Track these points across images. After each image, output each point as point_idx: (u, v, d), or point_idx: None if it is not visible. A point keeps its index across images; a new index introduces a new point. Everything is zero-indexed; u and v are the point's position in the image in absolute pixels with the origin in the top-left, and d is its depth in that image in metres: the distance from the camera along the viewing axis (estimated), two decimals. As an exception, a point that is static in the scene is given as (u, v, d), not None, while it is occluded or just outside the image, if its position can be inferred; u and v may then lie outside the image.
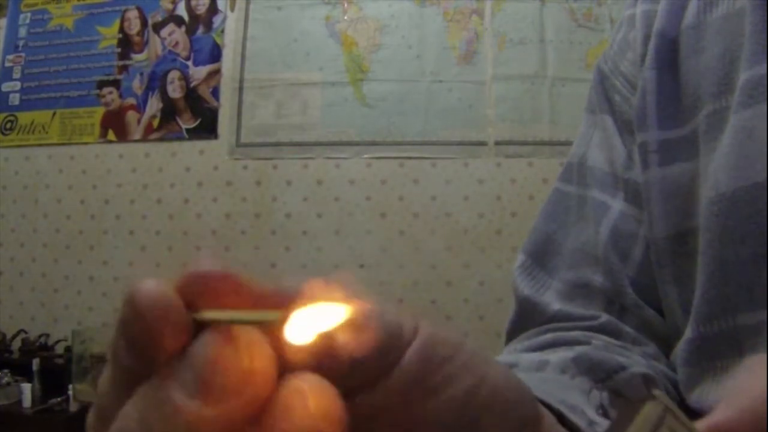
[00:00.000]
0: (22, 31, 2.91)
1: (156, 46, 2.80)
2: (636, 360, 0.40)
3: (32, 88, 2.86)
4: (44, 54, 2.86)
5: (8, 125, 2.86)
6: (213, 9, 2.77)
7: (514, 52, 2.62)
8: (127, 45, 2.82)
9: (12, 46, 2.91)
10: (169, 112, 2.75)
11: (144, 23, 2.82)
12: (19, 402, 2.33)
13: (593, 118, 0.51)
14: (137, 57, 2.81)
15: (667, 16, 0.44)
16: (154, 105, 2.77)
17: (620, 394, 0.36)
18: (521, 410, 0.22)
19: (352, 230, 2.62)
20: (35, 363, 2.41)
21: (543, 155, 2.56)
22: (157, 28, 2.80)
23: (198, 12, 2.78)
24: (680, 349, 0.39)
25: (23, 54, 2.89)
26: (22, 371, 2.40)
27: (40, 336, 2.65)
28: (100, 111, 2.80)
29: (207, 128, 2.72)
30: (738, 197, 0.36)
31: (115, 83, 2.80)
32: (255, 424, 0.17)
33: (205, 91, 2.73)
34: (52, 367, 2.44)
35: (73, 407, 2.29)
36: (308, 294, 0.18)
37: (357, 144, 2.64)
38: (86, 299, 2.72)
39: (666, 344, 0.43)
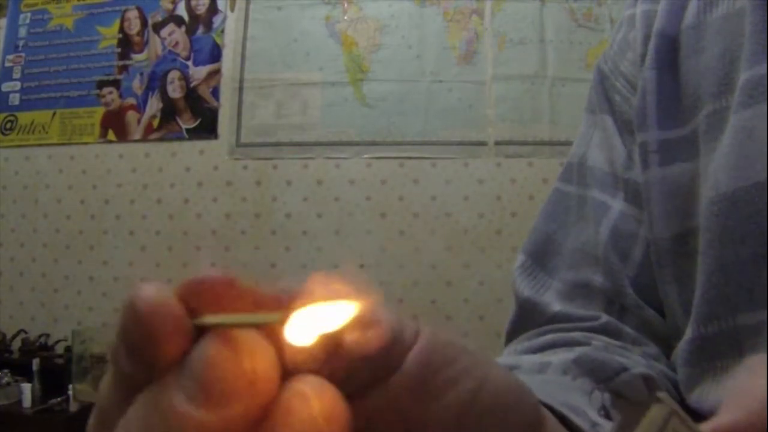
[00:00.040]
0: (22, 31, 2.91)
1: (156, 46, 2.80)
2: (636, 360, 0.40)
3: (32, 88, 2.86)
4: (44, 54, 2.86)
5: (8, 125, 2.86)
6: (213, 9, 2.77)
7: (514, 52, 2.62)
8: (127, 45, 2.82)
9: (12, 46, 2.91)
10: (169, 112, 2.75)
11: (144, 23, 2.82)
12: (19, 402, 2.32)
13: (593, 118, 0.51)
14: (137, 57, 2.81)
15: (667, 16, 0.44)
16: (154, 105, 2.76)
17: (622, 395, 0.36)
18: (523, 413, 0.22)
19: (352, 230, 2.62)
20: (35, 363, 2.41)
21: (543, 155, 2.56)
22: (157, 28, 2.80)
23: (198, 12, 2.78)
24: (680, 349, 0.39)
25: (23, 54, 2.89)
26: (22, 371, 2.40)
27: (40, 336, 2.65)
28: (100, 111, 2.80)
29: (207, 128, 2.72)
30: (738, 197, 0.36)
31: (115, 83, 2.80)
32: (258, 428, 0.17)
33: (205, 91, 2.73)
34: (52, 367, 2.43)
35: (73, 407, 2.29)
36: (309, 292, 0.18)
37: (357, 144, 2.64)
38: (86, 299, 2.72)
39: (666, 344, 0.43)
